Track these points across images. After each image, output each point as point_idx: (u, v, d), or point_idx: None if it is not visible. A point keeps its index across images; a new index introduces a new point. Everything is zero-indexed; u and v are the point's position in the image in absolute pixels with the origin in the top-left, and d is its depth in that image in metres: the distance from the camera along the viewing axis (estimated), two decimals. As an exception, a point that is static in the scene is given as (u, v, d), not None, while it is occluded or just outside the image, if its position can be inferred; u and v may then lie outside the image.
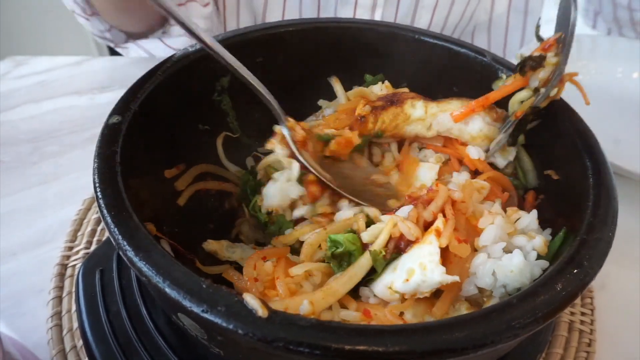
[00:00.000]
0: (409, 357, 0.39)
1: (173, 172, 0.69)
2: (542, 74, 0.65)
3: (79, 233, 0.83)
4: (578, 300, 0.77)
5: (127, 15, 1.15)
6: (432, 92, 0.80)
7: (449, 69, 0.78)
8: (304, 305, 0.48)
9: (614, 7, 1.32)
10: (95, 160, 0.53)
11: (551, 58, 0.65)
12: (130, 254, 0.44)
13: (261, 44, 0.75)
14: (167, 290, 0.41)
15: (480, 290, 0.57)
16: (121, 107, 0.59)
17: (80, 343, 0.65)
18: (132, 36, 1.24)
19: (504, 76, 0.72)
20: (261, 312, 0.40)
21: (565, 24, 0.64)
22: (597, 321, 0.76)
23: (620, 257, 0.76)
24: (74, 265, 0.78)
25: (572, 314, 0.76)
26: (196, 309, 0.40)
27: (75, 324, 0.68)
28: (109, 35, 1.22)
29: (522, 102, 0.67)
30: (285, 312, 0.41)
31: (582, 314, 0.76)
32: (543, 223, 0.62)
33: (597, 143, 0.61)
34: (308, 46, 0.78)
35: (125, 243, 0.45)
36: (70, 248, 0.81)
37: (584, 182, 0.57)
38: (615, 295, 0.80)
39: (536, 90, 0.66)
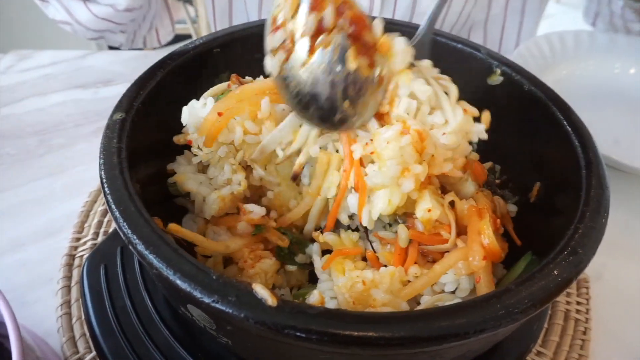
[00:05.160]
0: (415, 342, 0.41)
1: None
2: None
3: (86, 224, 0.85)
4: (574, 290, 0.79)
5: None
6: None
7: (445, 64, 0.79)
8: (313, 296, 0.50)
9: (610, 14, 1.33)
10: (101, 156, 0.53)
11: None
12: (141, 247, 0.45)
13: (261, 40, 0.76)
14: (179, 282, 0.42)
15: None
16: (125, 103, 0.60)
17: (89, 331, 0.66)
18: None
19: (498, 70, 0.74)
20: (271, 301, 0.41)
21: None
22: (592, 310, 0.78)
23: (617, 249, 0.78)
24: (82, 256, 0.79)
25: (568, 303, 0.78)
26: (207, 300, 0.41)
27: (84, 312, 0.69)
28: None
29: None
30: (294, 302, 0.42)
31: (578, 303, 0.78)
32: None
33: (589, 134, 0.63)
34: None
35: (135, 237, 0.45)
36: (78, 239, 0.82)
37: (577, 173, 0.59)
38: (610, 285, 0.82)
39: None
